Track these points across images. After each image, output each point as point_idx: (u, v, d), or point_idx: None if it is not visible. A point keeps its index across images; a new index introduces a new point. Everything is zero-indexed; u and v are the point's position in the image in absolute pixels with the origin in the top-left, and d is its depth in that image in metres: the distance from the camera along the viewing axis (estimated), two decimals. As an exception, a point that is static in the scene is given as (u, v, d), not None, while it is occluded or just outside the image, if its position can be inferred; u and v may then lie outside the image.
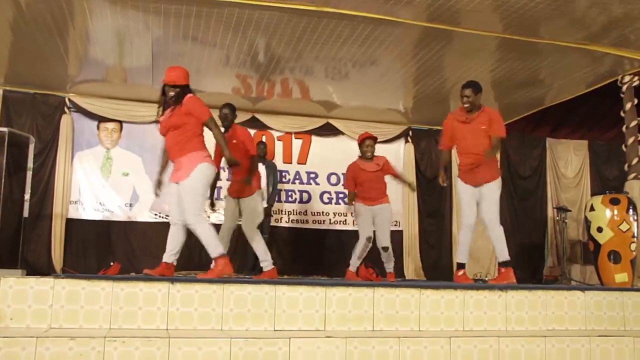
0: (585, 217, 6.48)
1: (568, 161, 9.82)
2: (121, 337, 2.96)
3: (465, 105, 5.06)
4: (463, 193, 5.18)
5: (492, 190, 5.06)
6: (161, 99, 4.56)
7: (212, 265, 4.38)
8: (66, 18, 5.97)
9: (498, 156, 5.25)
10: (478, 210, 5.13)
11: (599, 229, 6.20)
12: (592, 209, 6.34)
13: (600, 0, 5.37)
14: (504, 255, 5.04)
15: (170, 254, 4.51)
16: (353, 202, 6.28)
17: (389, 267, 6.29)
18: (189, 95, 4.42)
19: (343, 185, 8.48)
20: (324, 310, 3.64)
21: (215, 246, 4.29)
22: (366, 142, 6.16)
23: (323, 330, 3.59)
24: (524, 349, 3.56)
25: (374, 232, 6.18)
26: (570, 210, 8.52)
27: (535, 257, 9.43)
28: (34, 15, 5.92)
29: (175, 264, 4.55)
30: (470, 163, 5.09)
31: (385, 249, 6.16)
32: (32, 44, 6.63)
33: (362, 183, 6.16)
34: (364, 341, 3.31)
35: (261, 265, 5.55)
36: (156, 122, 8.00)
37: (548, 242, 9.51)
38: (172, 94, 4.42)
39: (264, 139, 8.42)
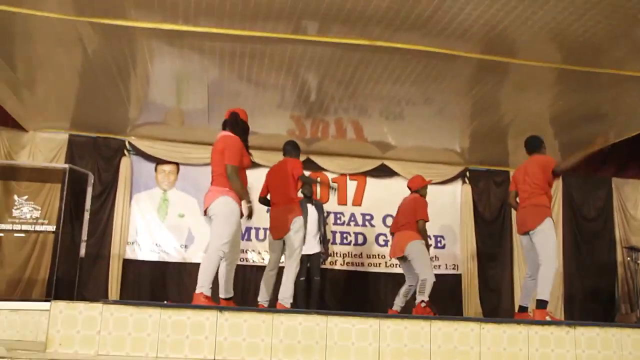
0: (660, 257, 6.07)
1: (637, 202, 9.32)
2: (167, 364, 2.88)
3: None
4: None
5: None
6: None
7: None
8: (128, 62, 6.18)
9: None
10: None
11: (675, 270, 5.78)
12: (667, 248, 5.94)
13: (665, 24, 5.15)
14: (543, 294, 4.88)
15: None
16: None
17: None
18: None
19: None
20: (377, 344, 3.46)
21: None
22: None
23: (377, 364, 3.40)
24: (597, 388, 3.27)
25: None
26: (641, 250, 8.02)
27: (606, 304, 8.87)
28: (99, 62, 6.15)
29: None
30: None
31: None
32: (97, 90, 6.88)
33: None
34: (421, 375, 3.11)
35: None
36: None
37: (619, 288, 8.95)
38: None
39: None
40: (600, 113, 7.08)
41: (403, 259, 6.37)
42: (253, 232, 8.50)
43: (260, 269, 7.12)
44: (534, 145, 5.56)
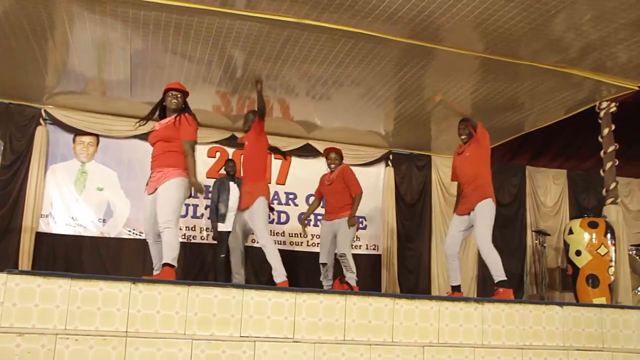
0: (564, 241, 6.45)
1: (547, 189, 9.84)
2: (75, 335, 2.79)
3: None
4: None
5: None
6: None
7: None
8: (45, 27, 5.87)
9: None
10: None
11: (578, 253, 6.16)
12: (570, 232, 6.31)
13: (575, 24, 5.41)
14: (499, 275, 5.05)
15: None
16: None
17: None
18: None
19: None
20: (293, 318, 3.50)
21: None
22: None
23: (292, 337, 3.44)
24: (499, 360, 3.44)
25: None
26: (549, 234, 8.47)
27: (514, 285, 9.31)
28: (11, 24, 5.81)
29: None
30: None
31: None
32: (9, 53, 6.50)
33: None
34: (334, 347, 3.17)
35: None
36: (133, 137, 8.03)
37: (527, 270, 9.44)
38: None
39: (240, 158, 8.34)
40: (517, 103, 7.39)
41: None
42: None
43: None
44: None
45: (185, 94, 4.91)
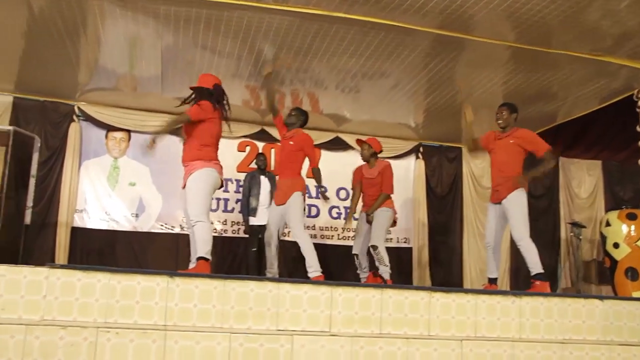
0: (601, 233, 6.33)
1: (581, 181, 9.65)
2: (115, 329, 2.83)
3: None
4: None
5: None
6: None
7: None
8: (77, 24, 5.95)
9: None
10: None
11: (616, 245, 6.05)
12: (607, 224, 6.18)
13: (612, 10, 5.28)
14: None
15: None
16: None
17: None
18: None
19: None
20: (329, 312, 3.49)
21: None
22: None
23: (328, 331, 3.43)
24: (539, 355, 3.38)
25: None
26: (585, 227, 8.31)
27: (548, 278, 9.19)
28: (45, 21, 5.90)
29: None
30: None
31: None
32: (43, 51, 6.61)
33: None
34: (371, 341, 3.16)
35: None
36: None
37: (561, 264, 9.29)
38: None
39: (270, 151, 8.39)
40: (550, 93, 7.25)
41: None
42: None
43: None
44: None
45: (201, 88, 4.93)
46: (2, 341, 2.64)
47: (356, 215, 6.94)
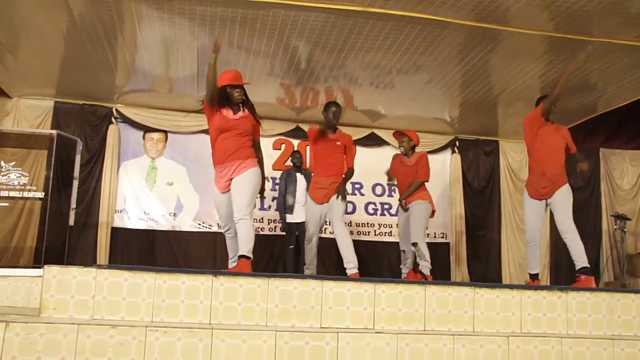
0: (646, 225, 6.15)
1: (624, 172, 9.41)
2: (163, 327, 2.87)
3: None
4: None
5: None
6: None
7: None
8: (115, 27, 6.05)
9: None
10: None
11: (663, 237, 5.86)
12: (654, 216, 6.00)
13: (659, -6, 5.14)
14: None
15: None
16: None
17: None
18: None
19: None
20: (372, 309, 3.47)
21: None
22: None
23: (372, 328, 3.42)
24: (589, 351, 3.31)
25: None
26: (630, 219, 8.10)
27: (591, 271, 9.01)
28: (85, 26, 6.02)
29: None
30: None
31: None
32: (83, 56, 6.75)
33: None
34: (416, 338, 3.13)
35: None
36: (201, 132, 8.14)
37: (604, 257, 9.08)
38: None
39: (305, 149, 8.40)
40: (590, 83, 7.09)
41: None
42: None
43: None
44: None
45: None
46: (55, 340, 2.69)
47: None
